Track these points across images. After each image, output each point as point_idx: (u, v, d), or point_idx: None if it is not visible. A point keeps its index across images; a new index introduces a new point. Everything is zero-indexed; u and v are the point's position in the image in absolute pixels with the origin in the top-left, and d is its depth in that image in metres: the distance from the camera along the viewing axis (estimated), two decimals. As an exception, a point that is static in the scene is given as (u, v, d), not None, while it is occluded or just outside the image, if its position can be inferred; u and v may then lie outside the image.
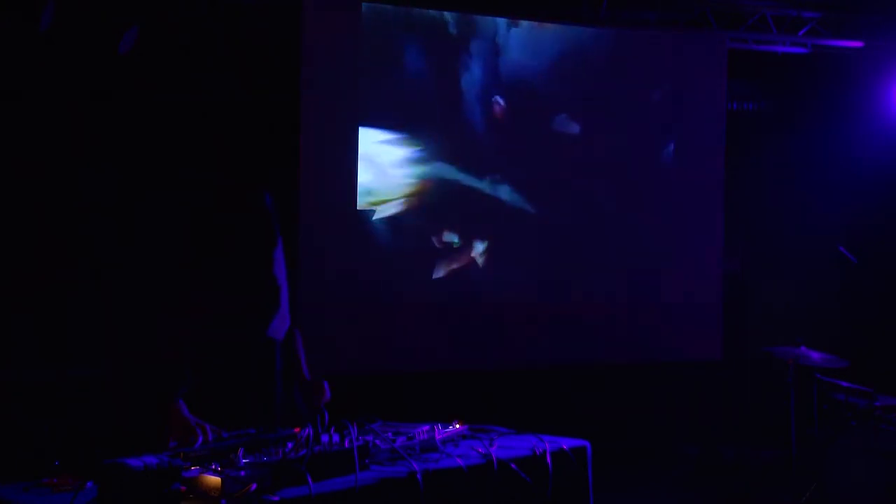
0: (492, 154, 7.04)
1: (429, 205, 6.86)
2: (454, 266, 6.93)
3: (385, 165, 6.70)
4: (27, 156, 5.80)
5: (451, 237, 6.91)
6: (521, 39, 7.08)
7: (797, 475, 5.61)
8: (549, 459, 2.96)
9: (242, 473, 2.37)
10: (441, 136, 6.87)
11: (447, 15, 6.88)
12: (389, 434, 2.89)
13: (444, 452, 2.86)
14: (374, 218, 6.65)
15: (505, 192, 7.05)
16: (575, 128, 7.28)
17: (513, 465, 2.85)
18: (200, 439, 2.66)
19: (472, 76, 6.97)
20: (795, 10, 7.52)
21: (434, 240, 6.87)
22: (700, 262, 7.61)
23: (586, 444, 3.15)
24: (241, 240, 3.09)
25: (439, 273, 6.89)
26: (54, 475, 2.51)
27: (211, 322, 3.02)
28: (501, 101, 7.01)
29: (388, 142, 6.71)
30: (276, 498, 2.35)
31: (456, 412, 3.27)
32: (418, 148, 6.80)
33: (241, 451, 2.50)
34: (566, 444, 3.09)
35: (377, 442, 2.77)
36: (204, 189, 3.15)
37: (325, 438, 2.66)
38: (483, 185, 7.01)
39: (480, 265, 7.02)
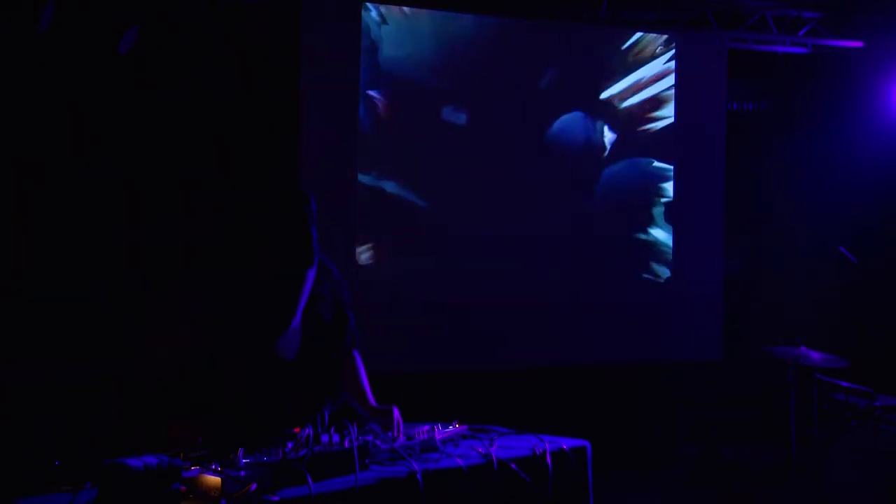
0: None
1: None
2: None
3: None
4: (27, 155, 5.80)
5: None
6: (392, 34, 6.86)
7: (797, 475, 5.61)
8: (549, 459, 2.96)
9: (242, 473, 2.37)
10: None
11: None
12: (389, 434, 2.89)
13: (444, 452, 2.86)
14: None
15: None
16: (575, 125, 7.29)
17: (513, 465, 2.85)
18: (200, 440, 2.66)
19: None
20: (795, 10, 7.52)
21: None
22: (700, 262, 7.61)
23: (586, 444, 3.15)
24: (270, 252, 3.02)
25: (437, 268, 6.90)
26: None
27: (213, 331, 3.00)
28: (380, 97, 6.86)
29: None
30: (276, 498, 2.35)
31: (456, 412, 3.26)
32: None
33: (241, 451, 2.49)
34: (566, 444, 3.09)
35: (377, 442, 2.77)
36: (225, 192, 3.09)
37: (325, 438, 2.66)
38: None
39: (483, 264, 7.02)
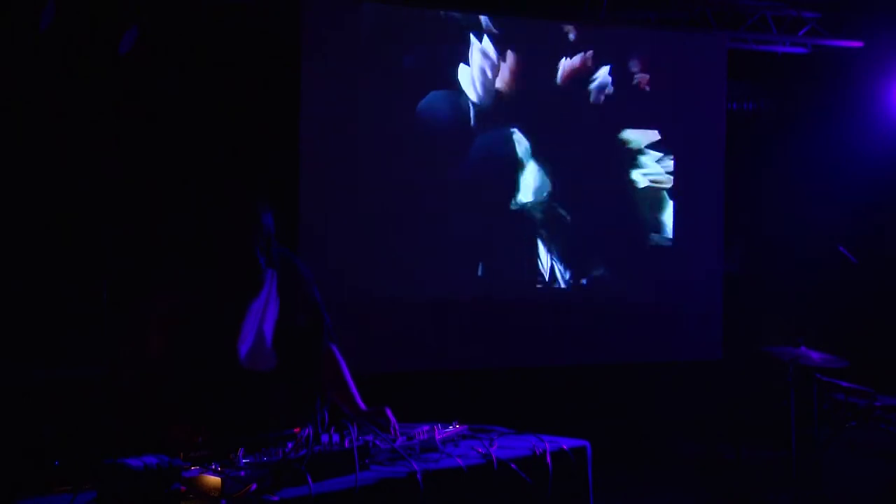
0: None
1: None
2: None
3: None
4: (27, 155, 5.80)
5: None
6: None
7: (797, 475, 5.61)
8: (549, 459, 2.96)
9: (242, 473, 2.37)
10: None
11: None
12: (389, 434, 2.89)
13: (444, 452, 2.86)
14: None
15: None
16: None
17: (513, 465, 2.85)
18: (200, 440, 2.66)
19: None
20: (795, 10, 7.52)
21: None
22: (700, 263, 7.61)
23: (586, 444, 3.15)
24: (221, 279, 3.00)
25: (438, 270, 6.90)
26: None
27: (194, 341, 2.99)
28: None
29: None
30: (276, 498, 2.35)
31: (456, 412, 3.26)
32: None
33: (241, 451, 2.49)
34: (566, 444, 3.08)
35: (377, 442, 2.77)
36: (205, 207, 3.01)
37: (325, 438, 2.66)
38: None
39: (482, 263, 7.03)
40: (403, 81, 6.83)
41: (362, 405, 3.20)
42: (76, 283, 5.79)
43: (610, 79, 7.36)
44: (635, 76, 7.41)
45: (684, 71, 7.53)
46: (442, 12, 6.92)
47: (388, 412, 3.03)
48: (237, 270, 2.94)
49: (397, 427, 2.97)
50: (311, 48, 6.54)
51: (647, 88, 7.45)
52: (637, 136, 7.45)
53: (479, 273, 7.01)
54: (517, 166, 7.14)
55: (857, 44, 7.72)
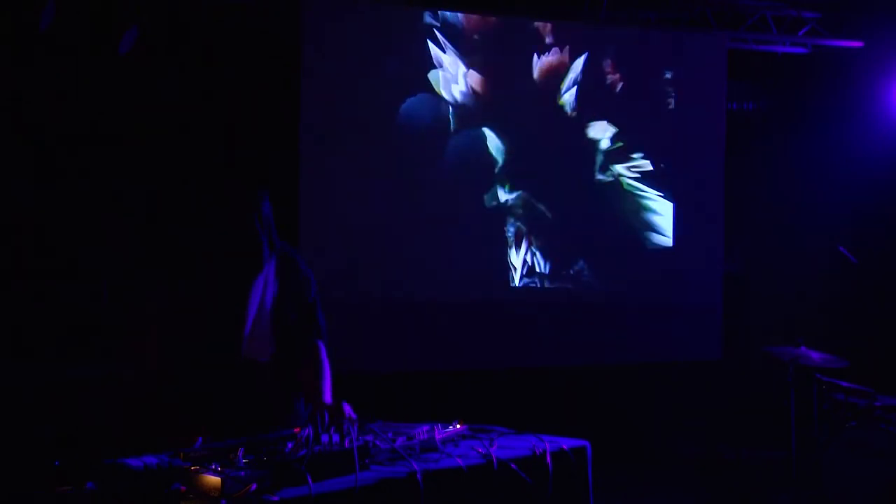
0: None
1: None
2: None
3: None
4: (27, 155, 5.80)
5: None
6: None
7: (797, 475, 5.61)
8: (549, 459, 2.96)
9: (242, 473, 2.37)
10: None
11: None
12: (389, 434, 2.88)
13: (444, 452, 2.86)
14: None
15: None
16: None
17: (513, 465, 2.85)
18: (200, 440, 2.66)
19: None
20: (795, 10, 7.52)
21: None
22: (700, 263, 7.61)
23: (586, 444, 3.14)
24: (220, 258, 3.04)
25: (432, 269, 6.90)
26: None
27: (190, 336, 3.00)
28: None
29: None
30: (276, 498, 2.35)
31: (456, 412, 3.26)
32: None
33: (241, 451, 2.49)
34: (566, 444, 3.08)
35: (377, 442, 2.76)
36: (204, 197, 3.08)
37: (325, 438, 2.66)
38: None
39: (482, 264, 7.03)
40: (403, 81, 6.84)
41: (328, 400, 3.20)
42: (76, 283, 5.78)
43: (608, 78, 7.37)
44: (634, 76, 7.41)
45: (684, 71, 7.53)
46: (441, 12, 6.93)
47: (347, 408, 3.00)
48: (239, 247, 2.99)
49: (342, 420, 2.89)
50: (311, 48, 6.54)
51: (647, 88, 7.45)
52: (635, 135, 7.46)
53: (480, 273, 7.01)
54: (528, 164, 7.14)
55: (857, 44, 7.72)
